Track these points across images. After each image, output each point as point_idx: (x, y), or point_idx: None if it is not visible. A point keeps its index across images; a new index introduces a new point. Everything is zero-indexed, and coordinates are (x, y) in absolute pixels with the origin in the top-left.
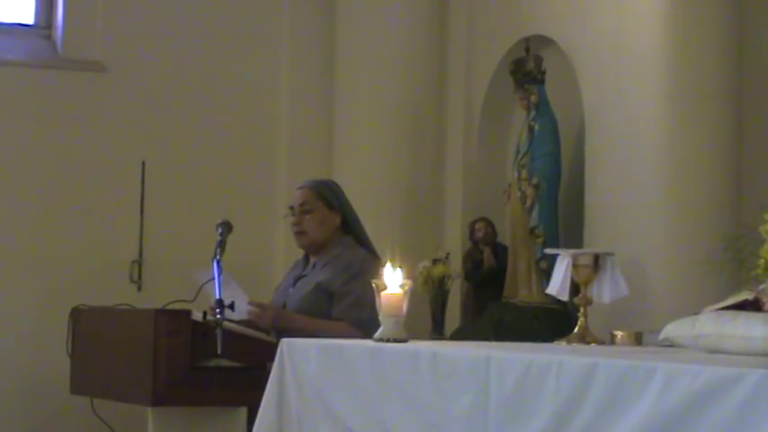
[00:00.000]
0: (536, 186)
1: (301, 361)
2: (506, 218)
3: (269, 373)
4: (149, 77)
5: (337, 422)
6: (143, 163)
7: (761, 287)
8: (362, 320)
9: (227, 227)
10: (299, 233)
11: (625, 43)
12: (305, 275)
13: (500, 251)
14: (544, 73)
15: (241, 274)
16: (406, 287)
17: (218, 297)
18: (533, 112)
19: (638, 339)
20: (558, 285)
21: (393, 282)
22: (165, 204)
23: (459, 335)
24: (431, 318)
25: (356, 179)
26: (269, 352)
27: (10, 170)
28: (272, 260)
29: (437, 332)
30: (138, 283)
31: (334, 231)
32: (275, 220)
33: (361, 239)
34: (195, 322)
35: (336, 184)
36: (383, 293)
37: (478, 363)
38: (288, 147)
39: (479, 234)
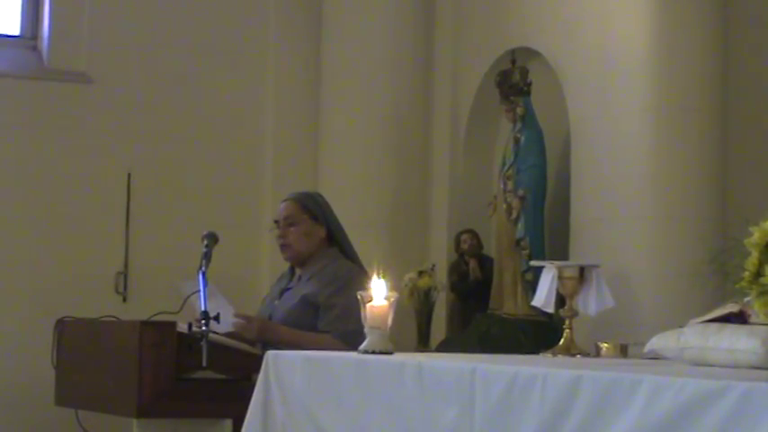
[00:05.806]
0: (522, 198)
1: (287, 373)
2: (492, 230)
3: (254, 385)
4: (135, 89)
5: None
6: (128, 174)
7: (746, 300)
8: (348, 333)
9: (212, 238)
10: (285, 246)
11: (611, 56)
12: (290, 288)
13: (486, 263)
14: (530, 85)
15: (227, 286)
16: (392, 299)
17: (203, 309)
18: (519, 124)
19: (623, 352)
20: (543, 297)
21: (378, 293)
22: (150, 216)
23: (445, 347)
24: (416, 330)
25: (342, 190)
26: (254, 364)
27: None
28: (257, 272)
29: (422, 344)
30: (123, 294)
31: (320, 243)
32: (261, 231)
33: (347, 251)
34: (180, 334)
35: (321, 196)
36: (368, 305)
37: (464, 375)
38: (273, 158)
39: (465, 246)
